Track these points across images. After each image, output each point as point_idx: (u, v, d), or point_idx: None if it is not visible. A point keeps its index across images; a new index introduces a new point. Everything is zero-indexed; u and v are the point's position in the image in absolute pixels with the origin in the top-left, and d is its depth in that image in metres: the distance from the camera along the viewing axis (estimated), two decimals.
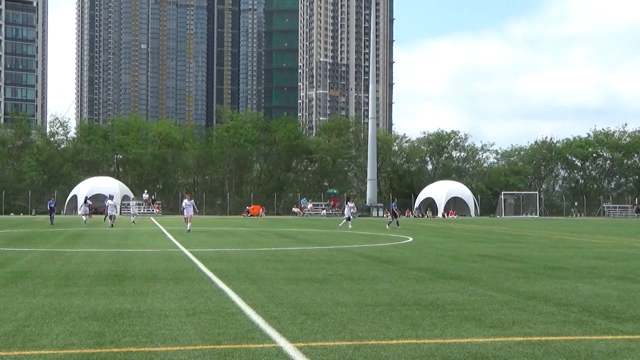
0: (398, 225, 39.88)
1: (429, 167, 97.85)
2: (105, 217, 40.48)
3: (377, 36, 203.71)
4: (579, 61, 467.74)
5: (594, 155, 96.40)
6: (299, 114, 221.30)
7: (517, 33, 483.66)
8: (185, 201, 33.81)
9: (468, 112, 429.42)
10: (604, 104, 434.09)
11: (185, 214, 33.26)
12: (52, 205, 46.51)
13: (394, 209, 40.91)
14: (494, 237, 30.82)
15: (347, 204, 42.03)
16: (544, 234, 34.65)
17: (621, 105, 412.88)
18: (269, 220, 57.27)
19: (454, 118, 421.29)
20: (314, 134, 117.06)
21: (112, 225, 37.26)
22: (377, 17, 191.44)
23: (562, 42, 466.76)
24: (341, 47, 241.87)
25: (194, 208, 33.95)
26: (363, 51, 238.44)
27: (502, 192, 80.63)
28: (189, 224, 32.28)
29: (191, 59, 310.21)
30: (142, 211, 69.57)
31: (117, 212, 43.15)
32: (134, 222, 42.14)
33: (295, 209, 74.72)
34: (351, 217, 40.65)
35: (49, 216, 45.53)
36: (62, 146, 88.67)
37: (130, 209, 44.52)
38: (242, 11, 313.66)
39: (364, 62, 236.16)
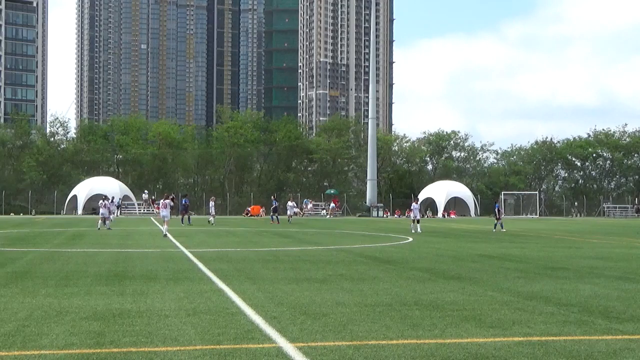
0: (502, 227, 37.01)
1: (429, 167, 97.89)
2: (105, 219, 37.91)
3: (377, 36, 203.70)
4: (576, 61, 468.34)
5: (594, 155, 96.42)
6: (299, 114, 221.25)
7: (513, 33, 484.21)
8: (169, 202, 30.90)
9: (466, 112, 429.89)
10: (602, 104, 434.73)
11: (166, 215, 29.86)
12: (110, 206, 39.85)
13: (497, 209, 38.42)
14: (494, 237, 30.82)
15: (414, 204, 37.00)
16: (544, 234, 34.65)
17: (618, 105, 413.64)
18: (269, 220, 57.19)
19: (452, 118, 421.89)
20: (314, 134, 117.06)
21: (99, 228, 34.90)
22: (377, 17, 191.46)
23: (558, 43, 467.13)
24: (341, 47, 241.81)
25: (170, 210, 30.68)
26: (363, 51, 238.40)
27: (502, 192, 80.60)
28: (165, 227, 28.90)
29: (191, 59, 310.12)
30: (142, 211, 69.61)
31: (111, 214, 42.09)
32: (106, 227, 35.37)
33: (296, 209, 74.63)
34: (419, 218, 36.35)
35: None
36: (62, 146, 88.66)
37: (100, 210, 36.82)
38: (242, 11, 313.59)
39: (364, 62, 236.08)
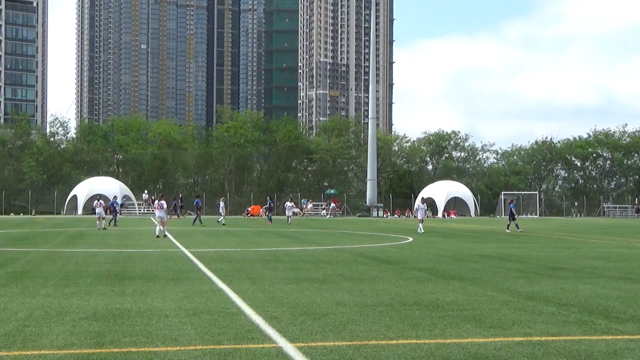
0: (508, 228, 36.65)
1: (429, 167, 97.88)
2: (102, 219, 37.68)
3: (377, 36, 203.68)
4: (576, 61, 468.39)
5: (594, 155, 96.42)
6: (299, 114, 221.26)
7: (513, 33, 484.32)
8: (163, 202, 29.46)
9: (466, 112, 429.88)
10: (602, 104, 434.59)
11: (162, 217, 28.54)
12: (115, 205, 42.42)
13: (512, 210, 37.67)
14: (494, 237, 30.81)
15: (420, 204, 35.87)
16: (544, 234, 34.63)
17: (618, 105, 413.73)
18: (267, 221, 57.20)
19: (452, 118, 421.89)
20: (314, 134, 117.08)
21: (99, 228, 34.67)
22: (377, 17, 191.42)
23: (559, 43, 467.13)
24: (341, 47, 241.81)
25: (165, 211, 29.04)
26: (363, 51, 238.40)
27: (502, 192, 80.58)
28: (163, 228, 28.01)
29: (191, 59, 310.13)
30: (142, 211, 69.61)
31: (117, 214, 42.31)
32: (103, 227, 35.12)
33: (295, 209, 74.66)
34: (423, 219, 35.39)
35: (112, 217, 40.79)
36: (62, 146, 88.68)
37: (97, 210, 36.56)
38: (242, 11, 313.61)
39: (364, 62, 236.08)
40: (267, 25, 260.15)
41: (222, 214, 44.79)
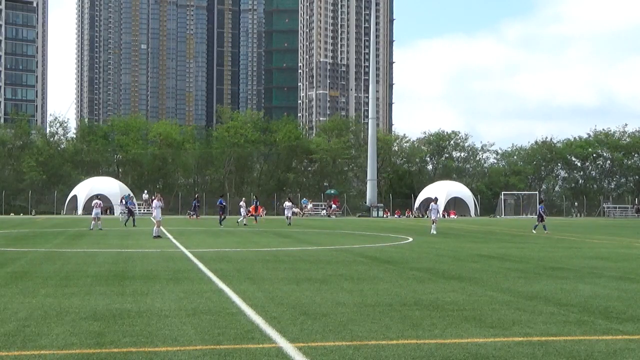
0: (545, 229, 35.64)
1: (429, 167, 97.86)
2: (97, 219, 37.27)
3: (377, 36, 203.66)
4: (576, 61, 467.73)
5: (594, 155, 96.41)
6: (299, 114, 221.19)
7: (513, 33, 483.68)
8: (156, 202, 29.32)
9: (466, 112, 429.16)
10: (602, 104, 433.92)
11: (157, 216, 28.44)
12: (130, 206, 43.30)
13: (541, 211, 37.12)
14: (494, 237, 30.81)
15: (433, 204, 35.02)
16: (543, 234, 34.62)
17: (618, 105, 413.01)
18: (269, 220, 57.20)
19: (452, 118, 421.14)
20: (314, 134, 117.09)
21: (100, 229, 34.60)
22: (377, 17, 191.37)
23: (558, 43, 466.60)
24: (341, 47, 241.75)
25: (160, 210, 28.73)
26: (363, 51, 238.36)
27: (502, 192, 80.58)
28: (156, 229, 27.62)
29: (191, 59, 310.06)
30: (142, 211, 69.60)
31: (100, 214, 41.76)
32: (99, 227, 34.88)
33: (295, 209, 74.63)
34: (437, 220, 34.52)
35: (128, 216, 41.54)
36: (62, 146, 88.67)
37: (94, 210, 36.13)
38: (242, 11, 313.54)
39: (364, 62, 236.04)
40: (267, 25, 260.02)
41: (243, 214, 45.05)
